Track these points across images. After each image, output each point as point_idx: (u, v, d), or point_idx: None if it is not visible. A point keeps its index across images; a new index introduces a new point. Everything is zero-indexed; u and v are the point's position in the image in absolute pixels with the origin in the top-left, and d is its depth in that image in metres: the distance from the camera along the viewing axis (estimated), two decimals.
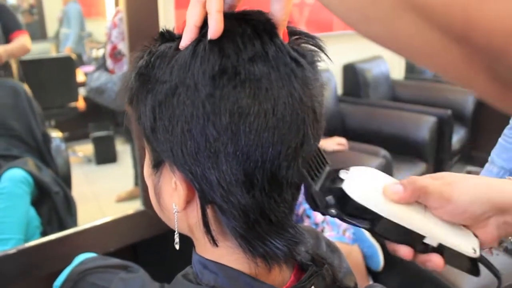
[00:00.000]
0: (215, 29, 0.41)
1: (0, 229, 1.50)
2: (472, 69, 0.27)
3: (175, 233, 0.49)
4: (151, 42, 0.47)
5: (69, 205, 1.77)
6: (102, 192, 2.17)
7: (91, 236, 1.49)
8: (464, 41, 0.25)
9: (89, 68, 2.72)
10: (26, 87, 1.79)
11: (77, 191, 1.91)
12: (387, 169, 2.12)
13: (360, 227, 0.46)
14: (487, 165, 1.16)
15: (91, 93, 2.30)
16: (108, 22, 2.29)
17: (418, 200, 0.45)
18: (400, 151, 2.65)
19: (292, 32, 0.47)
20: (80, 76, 2.56)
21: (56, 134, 1.92)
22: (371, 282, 1.74)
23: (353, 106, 3.15)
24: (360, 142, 2.35)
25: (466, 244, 0.45)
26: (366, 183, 0.46)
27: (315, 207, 0.47)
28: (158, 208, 0.52)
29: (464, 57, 0.26)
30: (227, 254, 0.47)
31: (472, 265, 0.46)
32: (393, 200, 0.45)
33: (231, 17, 0.43)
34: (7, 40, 1.82)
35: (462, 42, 0.26)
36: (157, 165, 0.48)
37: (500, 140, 1.11)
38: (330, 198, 0.46)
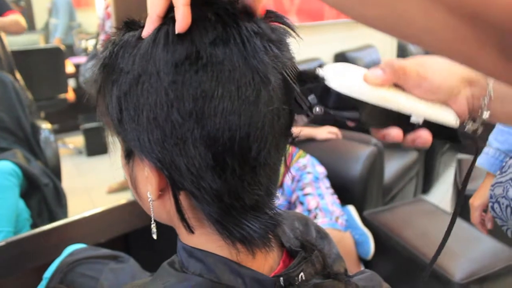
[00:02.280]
0: (182, 24, 0.40)
1: None
2: (480, 45, 0.26)
3: (152, 222, 0.49)
4: (116, 32, 0.46)
5: (59, 197, 1.76)
6: (93, 184, 2.16)
7: (81, 227, 1.49)
8: (475, 19, 0.25)
9: (79, 59, 2.69)
10: (14, 78, 1.77)
11: (68, 183, 1.90)
12: (378, 157, 2.12)
13: (348, 118, 0.46)
14: (485, 148, 1.18)
15: (86, 84, 2.28)
16: (98, 13, 2.27)
17: (397, 81, 0.46)
18: None
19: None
20: (69, 67, 2.54)
21: (45, 126, 1.90)
22: (362, 268, 1.76)
23: None
24: (351, 131, 2.35)
25: (447, 115, 0.47)
26: (345, 74, 0.46)
27: (300, 110, 0.46)
28: (137, 198, 0.51)
29: (473, 34, 0.26)
30: (209, 241, 0.47)
31: (454, 135, 0.48)
32: (375, 84, 0.45)
33: (192, 2, 0.42)
34: None
35: (472, 20, 0.25)
36: (128, 155, 0.48)
37: (497, 123, 1.13)
38: (312, 97, 0.45)
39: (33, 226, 1.62)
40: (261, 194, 0.45)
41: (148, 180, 0.45)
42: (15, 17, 1.83)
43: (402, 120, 0.46)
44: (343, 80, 0.45)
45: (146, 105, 0.41)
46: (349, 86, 0.44)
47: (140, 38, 0.43)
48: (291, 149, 2.02)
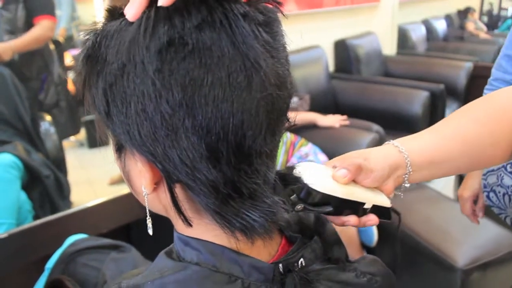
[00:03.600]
0: None
1: None
2: None
3: (147, 216, 0.48)
4: (98, 22, 0.44)
5: (61, 188, 1.76)
6: (95, 176, 2.15)
7: (83, 218, 1.49)
8: None
9: (78, 51, 2.67)
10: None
11: (70, 175, 1.90)
12: (380, 144, 2.12)
13: (323, 212, 0.53)
14: None
15: (74, 78, 2.26)
16: (96, 5, 2.25)
17: (354, 177, 0.55)
18: (393, 126, 2.64)
19: None
20: (68, 60, 2.52)
21: (45, 118, 1.90)
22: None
23: (345, 82, 3.13)
24: (352, 118, 2.34)
25: (385, 200, 0.57)
26: (320, 175, 0.53)
27: (284, 207, 0.52)
28: (132, 191, 0.50)
29: None
30: (207, 230, 0.46)
31: (387, 212, 0.59)
32: (343, 182, 0.53)
33: None
34: (31, 24, 1.76)
35: None
36: (119, 149, 0.46)
37: None
38: (294, 197, 0.52)
39: (35, 217, 1.62)
40: (258, 183, 0.44)
41: (142, 173, 0.44)
42: (38, 32, 1.77)
43: (359, 208, 0.55)
44: (322, 183, 0.52)
45: (133, 96, 0.39)
46: (326, 188, 0.52)
47: (122, 25, 0.40)
48: (293, 137, 2.02)
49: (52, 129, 1.87)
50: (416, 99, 2.78)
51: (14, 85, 1.72)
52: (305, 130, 2.16)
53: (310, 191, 0.51)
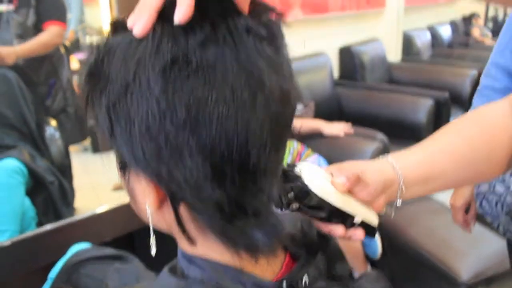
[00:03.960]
0: (187, 13, 0.37)
1: None
2: None
3: (151, 235, 0.47)
4: (103, 36, 0.43)
5: (65, 195, 1.76)
6: (100, 181, 2.15)
7: (87, 226, 1.49)
8: None
9: (84, 55, 2.67)
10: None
11: (74, 181, 1.90)
12: (384, 152, 2.11)
13: (315, 216, 0.54)
14: None
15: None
16: (102, 8, 2.25)
17: (352, 187, 0.55)
18: (397, 134, 2.64)
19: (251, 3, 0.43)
20: (74, 64, 2.53)
21: (50, 123, 1.90)
22: (369, 268, 1.75)
23: (350, 89, 3.13)
24: (357, 126, 2.33)
25: (374, 219, 0.58)
26: (319, 178, 0.54)
27: (280, 205, 0.53)
28: (135, 209, 0.49)
29: None
30: (211, 249, 0.45)
31: (372, 231, 0.59)
32: (341, 190, 0.54)
33: None
34: (40, 29, 1.76)
35: None
36: (123, 167, 0.46)
37: None
38: (291, 195, 0.52)
39: (39, 224, 1.62)
40: (263, 202, 0.44)
41: (146, 192, 0.43)
42: (46, 37, 1.77)
43: (349, 219, 0.55)
44: (321, 187, 0.53)
45: (137, 115, 0.38)
46: (325, 193, 0.53)
47: (127, 40, 0.40)
48: (300, 147, 2.01)
49: (57, 134, 1.87)
50: (421, 107, 2.78)
51: (20, 89, 1.72)
52: (310, 139, 2.16)
53: (308, 192, 0.52)
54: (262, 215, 0.44)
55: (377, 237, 1.77)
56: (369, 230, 0.58)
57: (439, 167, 0.61)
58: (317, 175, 0.54)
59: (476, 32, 5.83)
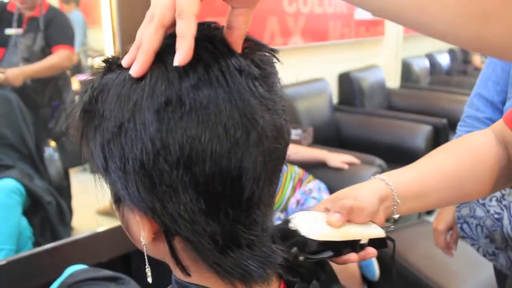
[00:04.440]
0: (187, 55, 0.38)
1: None
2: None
3: (146, 266, 0.48)
4: (97, 71, 0.44)
5: (62, 215, 1.75)
6: (97, 201, 2.14)
7: (83, 247, 1.48)
8: None
9: (85, 76, 2.69)
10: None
11: (72, 201, 1.90)
12: None
13: (325, 258, 0.56)
14: None
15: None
16: (104, 30, 2.28)
17: (348, 218, 0.58)
18: (395, 160, 2.63)
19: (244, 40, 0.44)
20: (75, 85, 2.55)
21: (49, 144, 1.91)
22: None
23: (349, 115, 3.15)
24: (356, 151, 2.34)
25: (379, 231, 0.61)
26: (314, 224, 0.56)
27: (287, 263, 0.53)
28: (131, 239, 0.49)
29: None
30: (204, 278, 0.45)
31: (383, 243, 0.62)
32: (337, 226, 0.57)
33: (168, 39, 0.40)
34: (49, 52, 1.79)
35: None
36: (117, 201, 0.46)
37: None
38: (295, 249, 0.53)
39: (36, 244, 1.61)
40: (257, 234, 0.44)
41: (140, 226, 0.44)
42: (55, 59, 1.80)
43: (356, 245, 0.59)
44: (318, 231, 0.55)
45: (131, 153, 0.38)
46: (324, 235, 0.55)
47: (121, 79, 0.40)
48: (302, 173, 2.02)
49: (56, 155, 1.88)
50: (419, 133, 2.79)
51: (20, 110, 1.73)
52: (313, 166, 2.16)
53: (308, 242, 0.54)
54: (256, 246, 0.44)
55: (374, 259, 1.76)
56: (379, 243, 0.61)
57: (431, 184, 0.64)
58: (311, 221, 0.57)
59: (477, 60, 5.89)
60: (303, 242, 0.54)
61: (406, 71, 4.43)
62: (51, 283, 1.05)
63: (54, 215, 1.69)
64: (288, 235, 0.55)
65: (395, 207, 0.62)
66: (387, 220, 0.64)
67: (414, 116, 3.09)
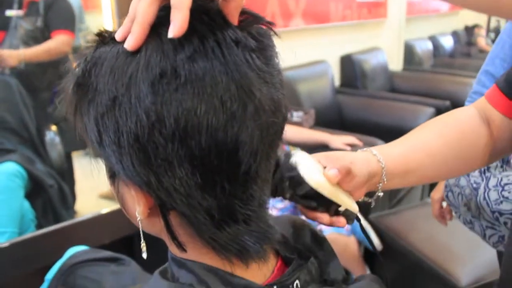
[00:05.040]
0: (182, 27, 0.37)
1: None
2: None
3: (141, 241, 0.47)
4: (89, 45, 0.43)
5: (65, 198, 1.76)
6: (100, 185, 2.16)
7: (86, 229, 1.49)
8: None
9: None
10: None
11: (76, 184, 1.91)
12: None
13: (307, 206, 0.56)
14: None
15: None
16: (104, 14, 2.26)
17: (342, 179, 0.57)
18: None
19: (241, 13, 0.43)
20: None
21: (50, 128, 1.91)
22: (368, 272, 1.74)
23: (351, 97, 3.14)
24: (357, 133, 2.33)
25: (355, 206, 0.60)
26: (313, 170, 0.56)
27: (274, 193, 0.55)
28: (127, 215, 0.49)
29: None
30: (201, 254, 0.45)
31: (352, 218, 0.61)
32: (333, 182, 0.56)
33: (163, 11, 0.39)
34: (48, 37, 1.79)
35: None
36: (112, 176, 0.46)
37: None
38: (286, 185, 0.54)
39: (38, 226, 1.62)
40: (253, 209, 0.44)
41: (135, 200, 0.43)
42: (52, 44, 1.79)
43: (334, 208, 0.58)
44: (315, 178, 0.55)
45: (125, 127, 0.38)
46: (319, 185, 0.55)
47: (114, 52, 0.40)
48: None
49: (57, 139, 1.88)
50: (421, 115, 2.78)
51: (20, 95, 1.73)
52: (316, 149, 2.16)
53: (301, 183, 0.55)
54: (252, 221, 0.44)
55: (371, 230, 1.75)
56: (348, 218, 0.61)
57: (417, 161, 0.64)
58: (310, 166, 0.56)
59: (482, 41, 5.83)
60: (297, 181, 0.55)
61: (409, 53, 4.40)
62: (53, 264, 1.06)
63: (56, 198, 1.70)
64: (286, 168, 0.55)
65: (380, 184, 0.62)
66: (368, 195, 0.64)
67: (417, 98, 3.08)
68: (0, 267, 1.31)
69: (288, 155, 0.56)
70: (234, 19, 0.41)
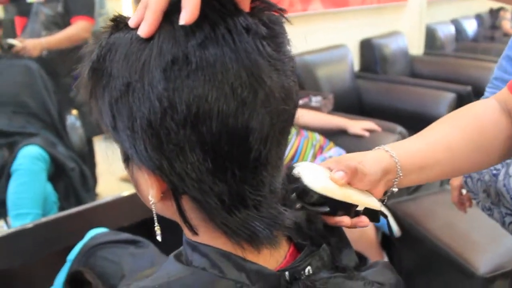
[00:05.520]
0: (193, 14, 0.37)
1: (18, 204, 1.54)
2: None
3: (155, 224, 0.48)
4: (104, 31, 0.43)
5: (86, 181, 1.80)
6: (120, 168, 2.19)
7: (106, 211, 1.52)
8: None
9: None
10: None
11: (98, 168, 1.94)
12: None
13: (319, 212, 0.56)
14: None
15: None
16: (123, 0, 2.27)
17: (350, 179, 0.57)
18: (417, 127, 2.54)
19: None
20: None
21: (71, 112, 1.94)
22: (385, 259, 1.74)
23: (370, 82, 3.10)
24: (377, 119, 2.31)
25: (376, 203, 0.59)
26: (317, 176, 0.56)
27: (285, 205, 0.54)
28: (140, 197, 0.50)
29: None
30: (213, 238, 0.46)
31: (376, 216, 0.60)
32: (340, 184, 0.56)
33: None
34: (68, 23, 1.81)
35: None
36: (126, 160, 0.47)
37: None
38: (293, 196, 0.55)
39: (61, 209, 1.66)
40: (263, 195, 0.44)
41: (149, 184, 0.44)
42: (72, 31, 1.81)
43: (352, 209, 0.57)
44: (321, 184, 0.55)
45: (139, 112, 0.39)
46: (326, 189, 0.54)
47: (128, 38, 0.40)
48: (322, 141, 2.01)
49: (78, 123, 1.91)
50: (442, 101, 2.73)
51: (42, 79, 1.76)
52: (334, 134, 2.15)
53: (308, 191, 0.54)
54: (263, 207, 0.45)
55: (388, 214, 1.74)
56: (373, 215, 0.60)
57: (435, 156, 0.63)
58: (315, 173, 0.56)
59: (506, 24, 5.66)
60: (303, 191, 0.54)
61: (430, 37, 4.30)
62: (74, 246, 1.09)
63: (77, 181, 1.74)
64: (290, 180, 0.56)
65: (396, 180, 0.61)
66: (385, 193, 0.63)
67: (437, 84, 3.02)
68: (24, 247, 1.35)
69: (290, 168, 0.57)
70: (246, 5, 0.41)
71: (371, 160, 0.59)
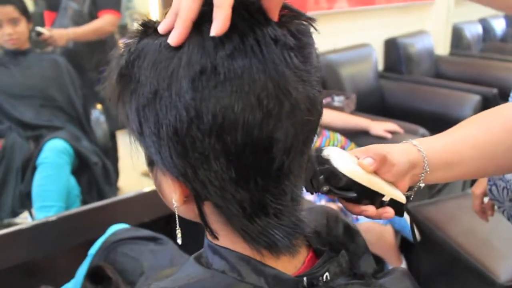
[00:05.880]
0: (224, 25, 0.38)
1: (43, 197, 1.57)
2: None
3: (177, 228, 0.50)
4: (133, 35, 0.44)
5: (108, 176, 1.82)
6: (143, 163, 2.21)
7: (127, 207, 1.54)
8: None
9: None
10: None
11: (120, 162, 1.97)
12: None
13: (346, 197, 0.56)
14: None
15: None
16: None
17: (379, 168, 0.56)
18: (440, 130, 2.49)
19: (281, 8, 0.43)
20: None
21: (96, 106, 1.97)
22: (404, 263, 1.73)
23: (394, 82, 3.06)
24: (399, 120, 2.28)
25: (401, 196, 0.58)
26: (347, 161, 0.55)
27: (311, 189, 0.56)
28: (163, 200, 0.51)
29: None
30: (233, 242, 0.47)
31: (400, 210, 0.60)
32: (369, 171, 0.55)
33: (204, 7, 0.40)
34: (95, 17, 1.85)
35: None
36: (151, 164, 0.48)
37: None
38: (321, 178, 0.54)
39: (83, 202, 1.69)
40: (285, 204, 0.45)
41: (172, 189, 0.45)
42: (100, 23, 1.85)
43: (378, 199, 0.57)
44: (349, 168, 0.54)
45: (165, 119, 0.39)
46: (354, 173, 0.54)
47: (157, 45, 0.41)
48: (344, 141, 2.00)
49: (102, 118, 1.94)
50: (467, 103, 2.68)
51: (69, 73, 1.79)
52: (356, 135, 2.13)
53: (337, 174, 0.54)
54: (283, 215, 0.45)
55: (407, 218, 1.72)
56: (397, 209, 0.59)
57: (461, 153, 0.62)
58: (344, 157, 0.56)
59: None
60: (332, 173, 0.54)
61: (457, 37, 4.22)
62: (96, 239, 1.11)
63: (100, 175, 1.76)
64: (319, 162, 0.55)
65: (423, 175, 0.60)
66: (410, 189, 0.62)
67: (463, 85, 2.97)
68: (48, 239, 1.38)
69: (319, 150, 0.56)
70: (274, 15, 0.42)
71: (399, 152, 0.58)
